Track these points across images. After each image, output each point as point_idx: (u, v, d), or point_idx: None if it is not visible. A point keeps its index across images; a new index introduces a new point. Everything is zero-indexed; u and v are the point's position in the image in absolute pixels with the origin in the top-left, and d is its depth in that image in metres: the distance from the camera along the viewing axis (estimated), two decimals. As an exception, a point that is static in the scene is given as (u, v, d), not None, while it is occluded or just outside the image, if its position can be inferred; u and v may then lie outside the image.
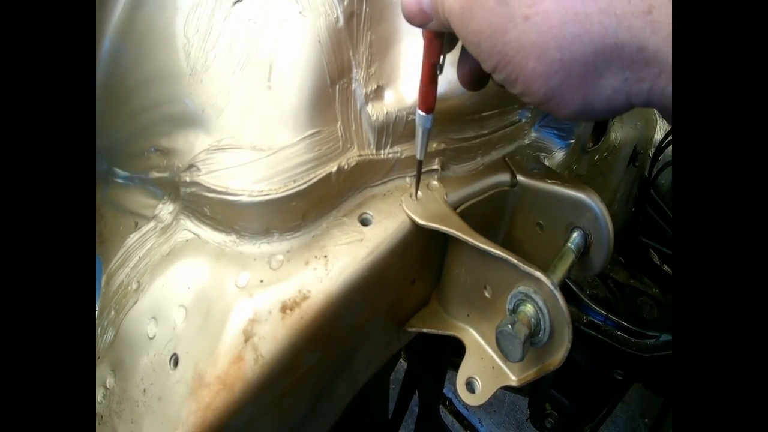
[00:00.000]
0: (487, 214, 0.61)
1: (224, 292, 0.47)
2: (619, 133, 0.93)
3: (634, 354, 0.97)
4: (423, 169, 0.56)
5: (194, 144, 0.50)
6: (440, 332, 0.59)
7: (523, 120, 0.66)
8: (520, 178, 0.60)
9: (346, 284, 0.48)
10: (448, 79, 0.52)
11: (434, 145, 0.56)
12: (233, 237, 0.50)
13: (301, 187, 0.47)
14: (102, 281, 0.58)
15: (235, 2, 0.48)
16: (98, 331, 0.55)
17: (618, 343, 1.00)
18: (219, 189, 0.48)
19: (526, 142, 0.68)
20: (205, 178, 0.49)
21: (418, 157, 0.51)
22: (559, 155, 0.70)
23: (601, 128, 0.84)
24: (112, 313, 0.54)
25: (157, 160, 0.56)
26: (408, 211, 0.51)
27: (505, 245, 0.72)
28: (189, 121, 0.51)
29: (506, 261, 0.47)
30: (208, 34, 0.49)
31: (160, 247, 0.54)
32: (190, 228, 0.52)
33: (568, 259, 0.54)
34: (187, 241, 0.52)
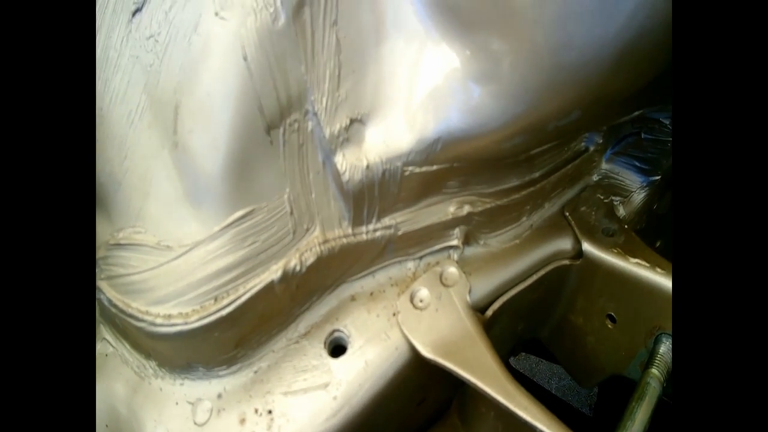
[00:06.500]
0: (534, 300, 0.40)
1: None
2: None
3: None
4: (434, 247, 0.35)
5: (100, 232, 0.33)
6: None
7: (592, 148, 0.44)
8: (587, 247, 0.39)
9: (299, 461, 0.29)
10: (476, 104, 0.31)
11: (451, 209, 0.35)
12: (153, 363, 0.33)
13: (225, 312, 0.28)
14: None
15: (135, 12, 0.29)
16: None
17: None
18: (119, 305, 0.30)
19: (594, 179, 0.46)
20: (104, 286, 0.31)
21: None
22: (639, 197, 0.47)
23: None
24: None
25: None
26: (408, 334, 0.31)
27: (560, 327, 0.52)
28: (99, 197, 0.33)
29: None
30: (104, 65, 0.30)
31: None
32: (109, 339, 0.36)
33: (651, 402, 0.34)
34: (106, 355, 0.37)
